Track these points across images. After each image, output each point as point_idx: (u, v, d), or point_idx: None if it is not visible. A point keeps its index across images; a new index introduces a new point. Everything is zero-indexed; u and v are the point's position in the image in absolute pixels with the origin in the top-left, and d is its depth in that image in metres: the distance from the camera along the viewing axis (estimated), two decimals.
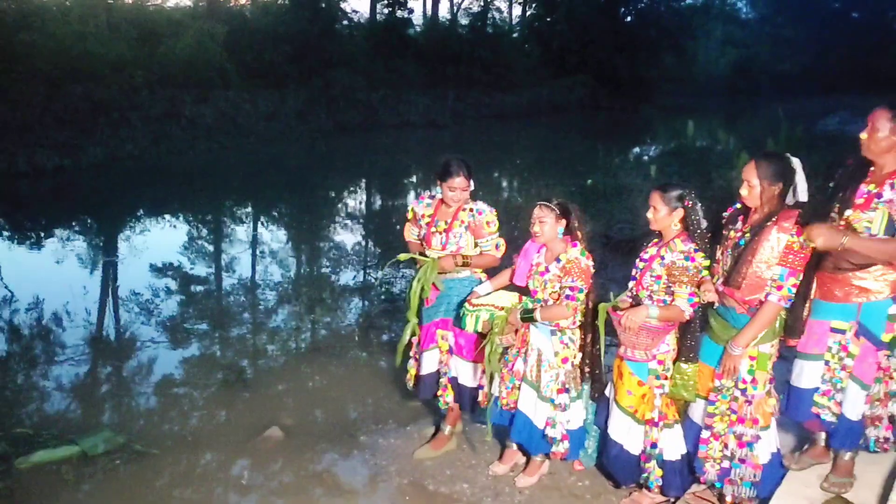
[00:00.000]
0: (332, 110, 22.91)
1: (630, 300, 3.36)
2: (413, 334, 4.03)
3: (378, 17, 29.89)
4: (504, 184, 16.15)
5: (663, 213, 3.21)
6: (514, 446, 3.85)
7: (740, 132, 16.59)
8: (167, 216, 12.17)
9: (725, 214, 3.24)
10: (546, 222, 3.42)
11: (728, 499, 3.20)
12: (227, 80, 20.38)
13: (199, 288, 8.00)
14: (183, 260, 9.08)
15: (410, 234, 4.08)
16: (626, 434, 3.36)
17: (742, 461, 3.10)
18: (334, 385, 5.28)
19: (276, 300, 7.45)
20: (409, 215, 4.06)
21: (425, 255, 3.90)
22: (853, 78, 41.03)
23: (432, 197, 3.98)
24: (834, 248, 2.89)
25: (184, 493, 3.81)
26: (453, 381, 3.94)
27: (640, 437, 3.35)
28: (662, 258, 3.20)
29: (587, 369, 3.56)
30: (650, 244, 3.35)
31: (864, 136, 2.97)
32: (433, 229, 3.87)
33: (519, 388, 3.61)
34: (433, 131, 24.81)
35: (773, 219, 2.96)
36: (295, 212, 13.11)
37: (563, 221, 3.43)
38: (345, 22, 27.43)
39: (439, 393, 3.98)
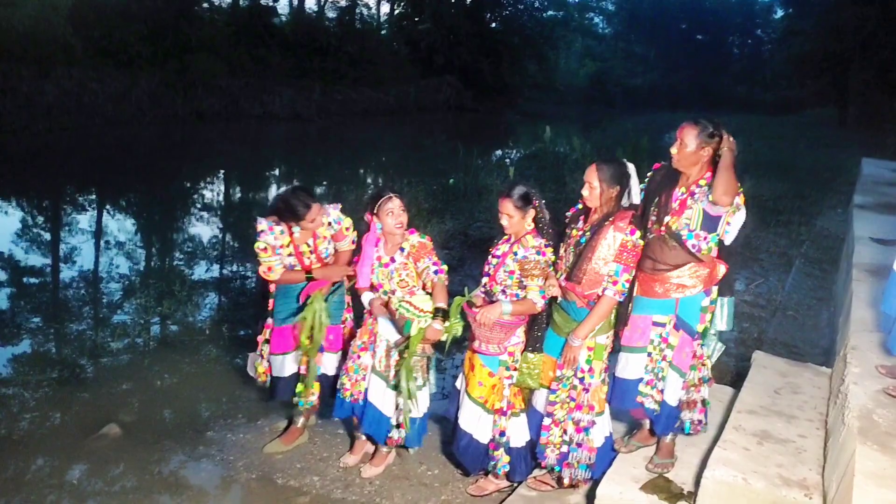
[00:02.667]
0: (190, 96, 21.79)
1: (483, 296, 3.49)
2: (264, 337, 3.92)
3: (242, 2, 28.82)
4: (369, 180, 16.10)
5: (517, 219, 3.33)
6: (364, 437, 3.88)
7: (594, 140, 17.52)
8: None
9: (569, 214, 3.43)
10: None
11: (566, 481, 3.40)
12: (71, 55, 18.85)
13: (33, 280, 7.40)
14: (14, 249, 8.35)
15: (278, 270, 3.71)
16: (476, 424, 3.47)
17: (579, 445, 3.30)
18: (184, 382, 5.04)
19: (123, 294, 7.01)
20: (268, 252, 3.67)
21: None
22: (697, 95, 44.54)
23: (279, 224, 3.67)
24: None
25: (12, 502, 3.52)
26: (322, 377, 3.87)
27: (490, 426, 3.48)
28: (515, 254, 3.32)
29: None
30: (501, 241, 3.47)
31: (674, 150, 3.12)
32: (304, 259, 3.76)
33: (365, 380, 3.65)
34: (298, 124, 24.27)
35: (610, 219, 3.17)
36: (146, 201, 12.39)
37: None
38: (205, 5, 26.23)
39: (302, 391, 3.87)
